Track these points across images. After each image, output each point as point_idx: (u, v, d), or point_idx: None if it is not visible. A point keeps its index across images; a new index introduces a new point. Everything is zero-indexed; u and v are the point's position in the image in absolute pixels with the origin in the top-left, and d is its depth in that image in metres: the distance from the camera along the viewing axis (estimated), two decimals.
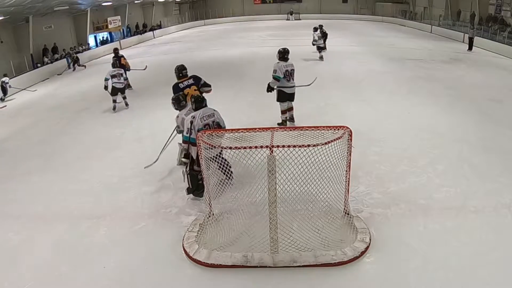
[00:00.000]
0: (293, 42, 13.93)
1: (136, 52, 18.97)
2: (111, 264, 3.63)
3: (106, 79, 8.45)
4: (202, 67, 11.48)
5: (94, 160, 6.08)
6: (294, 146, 3.38)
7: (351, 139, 3.63)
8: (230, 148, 3.64)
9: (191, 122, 4.38)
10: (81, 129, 7.81)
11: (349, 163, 3.75)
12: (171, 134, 5.49)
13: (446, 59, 13.17)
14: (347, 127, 3.61)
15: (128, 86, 9.79)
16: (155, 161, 5.44)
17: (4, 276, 3.56)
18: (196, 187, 4.57)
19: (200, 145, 3.76)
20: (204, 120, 4.42)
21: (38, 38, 15.67)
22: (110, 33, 22.04)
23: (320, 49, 12.94)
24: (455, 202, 4.33)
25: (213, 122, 4.47)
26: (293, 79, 6.37)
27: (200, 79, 5.58)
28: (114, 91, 8.56)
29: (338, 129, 3.58)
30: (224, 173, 4.03)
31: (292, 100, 6.55)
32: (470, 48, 15.02)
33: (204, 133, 3.78)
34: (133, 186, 5.11)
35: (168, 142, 5.53)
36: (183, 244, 3.76)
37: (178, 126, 5.12)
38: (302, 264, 3.39)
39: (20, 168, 6.07)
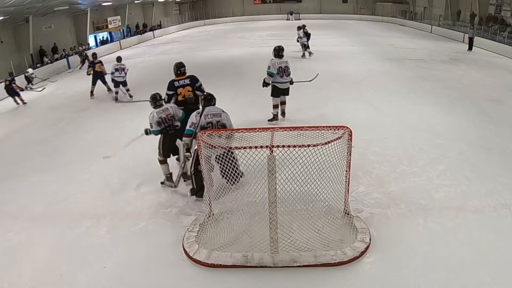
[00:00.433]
0: (293, 42, 13.95)
1: (136, 52, 18.97)
2: (111, 264, 3.63)
3: (112, 73, 9.36)
4: (202, 67, 11.49)
5: (94, 160, 6.07)
6: (294, 146, 3.38)
7: (351, 139, 3.63)
8: (230, 148, 3.65)
9: (195, 117, 4.40)
10: (81, 129, 7.81)
11: (349, 163, 3.75)
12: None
13: (446, 59, 13.16)
14: (347, 127, 3.61)
15: (108, 89, 10.40)
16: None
17: (4, 276, 3.56)
18: (200, 188, 4.52)
19: (200, 145, 3.76)
20: (209, 118, 4.40)
21: (38, 38, 15.65)
22: (110, 33, 22.01)
23: (305, 47, 13.51)
24: (455, 202, 4.34)
25: (217, 122, 4.41)
26: (286, 75, 6.69)
27: (197, 80, 5.44)
28: (116, 84, 9.48)
29: (338, 129, 3.57)
30: (224, 177, 3.98)
31: (287, 95, 6.90)
32: (470, 48, 15.00)
33: (204, 133, 3.77)
34: (133, 186, 5.11)
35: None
36: (183, 244, 3.76)
37: (146, 131, 4.94)
38: (302, 264, 3.39)
39: (20, 168, 6.07)
